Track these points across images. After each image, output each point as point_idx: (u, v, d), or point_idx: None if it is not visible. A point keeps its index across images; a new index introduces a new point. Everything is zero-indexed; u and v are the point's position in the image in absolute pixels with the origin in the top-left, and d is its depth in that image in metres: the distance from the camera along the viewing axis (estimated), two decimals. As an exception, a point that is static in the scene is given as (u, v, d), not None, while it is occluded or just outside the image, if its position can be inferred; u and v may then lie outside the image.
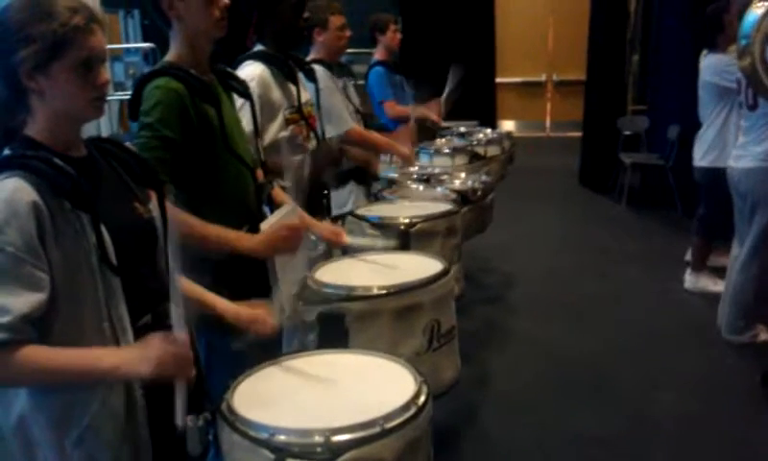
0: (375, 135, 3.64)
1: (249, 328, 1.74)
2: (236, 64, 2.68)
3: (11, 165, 1.38)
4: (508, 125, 11.05)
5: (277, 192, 2.44)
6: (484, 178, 3.72)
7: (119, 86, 7.75)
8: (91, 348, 1.40)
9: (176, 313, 1.40)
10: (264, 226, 2.14)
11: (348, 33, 3.54)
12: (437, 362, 2.14)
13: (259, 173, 2.30)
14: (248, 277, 2.00)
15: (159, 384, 1.42)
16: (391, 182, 3.51)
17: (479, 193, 3.46)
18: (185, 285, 1.69)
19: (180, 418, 1.41)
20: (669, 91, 6.76)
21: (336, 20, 3.49)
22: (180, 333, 1.40)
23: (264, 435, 1.36)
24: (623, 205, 7.06)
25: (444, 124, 5.04)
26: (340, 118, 3.35)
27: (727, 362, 3.83)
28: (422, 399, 1.48)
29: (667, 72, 6.84)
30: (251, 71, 2.62)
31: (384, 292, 2.05)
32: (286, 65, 2.77)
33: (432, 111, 4.78)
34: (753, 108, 3.76)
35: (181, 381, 1.41)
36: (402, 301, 2.06)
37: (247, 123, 2.35)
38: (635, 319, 4.44)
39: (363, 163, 3.49)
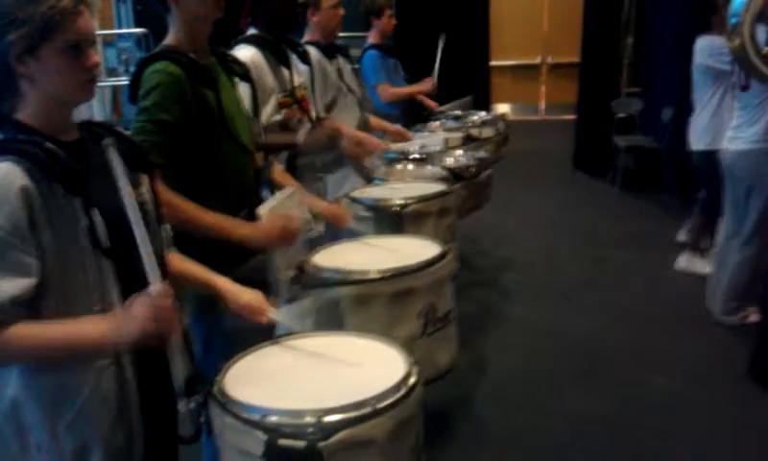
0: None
1: (245, 316, 1.74)
2: (229, 48, 2.67)
3: (1, 150, 1.38)
4: (502, 108, 11.04)
5: (278, 174, 2.45)
6: (479, 153, 3.72)
7: (112, 72, 7.70)
8: (77, 319, 1.41)
9: (148, 265, 1.40)
10: (263, 209, 2.14)
11: (341, 11, 3.52)
12: (432, 347, 2.15)
13: (258, 157, 2.30)
14: (242, 254, 2.01)
15: (150, 355, 1.44)
16: (388, 162, 3.52)
17: (473, 170, 3.46)
18: (181, 261, 1.71)
19: (181, 379, 1.43)
20: (663, 74, 6.76)
21: None
22: (156, 286, 1.40)
23: (256, 416, 1.37)
24: (617, 187, 7.08)
25: (439, 108, 5.04)
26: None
27: (718, 344, 3.86)
28: (413, 380, 1.49)
29: (661, 54, 6.84)
30: (243, 55, 2.61)
31: (379, 276, 2.06)
32: (279, 49, 2.77)
33: (426, 87, 4.77)
34: (745, 88, 3.76)
35: (170, 337, 1.42)
36: (397, 285, 2.06)
37: (247, 106, 2.35)
38: (628, 301, 4.47)
39: (354, 158, 3.46)
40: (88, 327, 1.40)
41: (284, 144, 2.70)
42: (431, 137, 4.08)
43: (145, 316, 1.38)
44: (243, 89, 2.33)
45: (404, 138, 3.76)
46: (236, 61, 2.31)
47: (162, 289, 1.41)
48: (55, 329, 1.38)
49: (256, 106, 2.41)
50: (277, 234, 2.03)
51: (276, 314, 1.75)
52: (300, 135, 2.71)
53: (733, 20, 3.42)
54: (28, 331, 1.35)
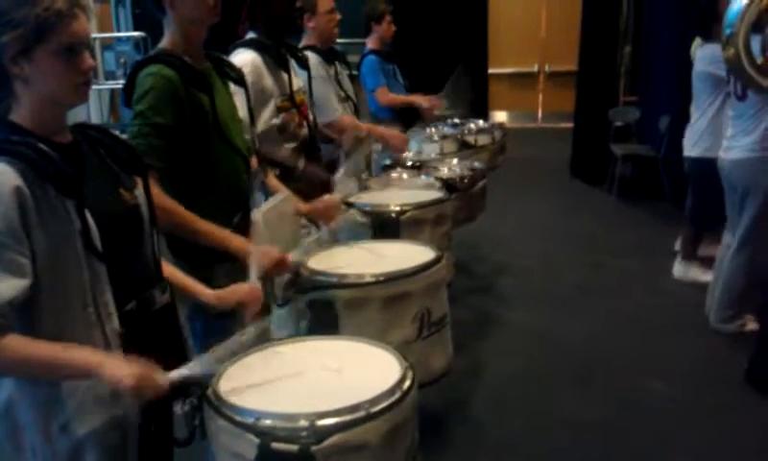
0: (364, 125, 3.64)
1: (237, 309, 1.74)
2: (228, 52, 2.68)
3: None
4: (500, 116, 11.05)
5: (271, 180, 2.45)
6: (474, 165, 3.72)
7: (110, 76, 7.71)
8: (73, 344, 1.39)
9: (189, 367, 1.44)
10: (257, 213, 2.14)
11: (337, 16, 3.53)
12: (427, 351, 2.15)
13: (253, 161, 2.30)
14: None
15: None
16: (385, 169, 3.52)
17: (466, 181, 3.45)
18: (169, 270, 1.70)
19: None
20: (660, 82, 6.77)
21: (324, 3, 3.47)
22: (176, 375, 1.41)
23: (249, 420, 1.37)
24: (614, 195, 7.08)
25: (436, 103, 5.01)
26: (327, 108, 3.34)
27: (715, 351, 3.85)
28: (407, 384, 1.49)
29: (659, 63, 6.85)
30: (242, 59, 2.62)
31: (373, 280, 2.06)
32: (278, 53, 2.77)
33: (429, 103, 4.76)
34: (741, 98, 3.77)
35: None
36: (391, 289, 2.07)
37: (241, 110, 2.35)
38: (625, 308, 4.46)
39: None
40: (80, 358, 1.38)
41: (283, 163, 2.71)
42: (427, 145, 4.09)
43: (139, 383, 1.36)
44: (238, 94, 2.33)
45: (401, 147, 3.77)
46: (231, 66, 2.32)
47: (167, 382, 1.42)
48: (47, 351, 1.36)
49: (251, 110, 2.41)
50: (270, 263, 1.98)
51: (266, 321, 1.74)
52: (301, 163, 2.72)
53: (728, 31, 3.43)
54: (21, 346, 1.34)
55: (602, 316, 4.36)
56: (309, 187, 2.69)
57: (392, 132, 3.80)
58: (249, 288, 1.79)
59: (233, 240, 2.01)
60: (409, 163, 3.64)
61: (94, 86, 5.76)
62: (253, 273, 1.86)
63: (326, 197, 2.53)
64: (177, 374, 1.44)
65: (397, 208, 2.70)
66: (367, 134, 3.51)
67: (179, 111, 1.95)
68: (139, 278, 1.53)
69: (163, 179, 1.92)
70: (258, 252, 1.96)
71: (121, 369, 1.36)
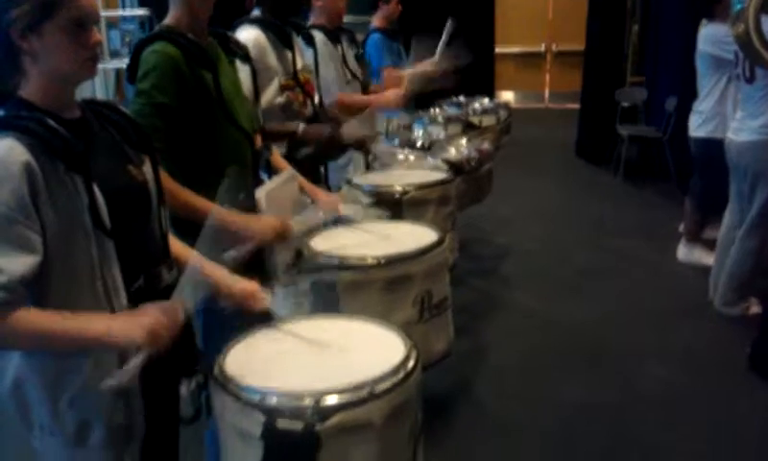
0: (362, 97, 3.61)
1: (241, 305, 1.73)
2: (233, 29, 2.66)
3: (4, 126, 1.37)
4: (506, 96, 11.01)
5: (276, 158, 2.44)
6: (483, 146, 3.71)
7: (115, 54, 7.67)
8: (85, 312, 1.40)
9: (185, 285, 1.43)
10: (261, 192, 2.14)
11: None
12: (428, 333, 2.16)
13: (257, 139, 2.30)
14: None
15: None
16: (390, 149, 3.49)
17: (473, 163, 3.44)
18: (179, 248, 1.71)
19: (117, 378, 1.40)
20: (668, 63, 6.73)
21: None
22: (177, 303, 1.41)
23: (255, 398, 1.38)
24: (620, 177, 7.07)
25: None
26: (326, 90, 3.32)
27: (718, 335, 3.86)
28: (411, 363, 1.49)
29: (666, 43, 6.80)
30: (246, 35, 2.60)
31: (375, 262, 2.06)
32: (283, 31, 2.76)
33: (426, 67, 4.71)
34: (750, 80, 3.75)
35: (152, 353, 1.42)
36: (392, 271, 2.07)
37: (247, 88, 2.34)
38: (629, 290, 4.47)
39: (356, 143, 3.44)
40: (95, 323, 1.40)
41: (284, 133, 2.69)
42: (432, 127, 4.06)
43: (155, 330, 1.38)
44: (243, 71, 2.32)
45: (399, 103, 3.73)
46: (236, 43, 2.30)
47: (177, 305, 1.42)
48: (62, 321, 1.37)
49: (256, 88, 2.40)
50: (272, 232, 2.01)
51: (271, 302, 1.75)
52: (300, 126, 2.70)
53: (738, 6, 3.40)
54: (35, 319, 1.35)
55: (606, 298, 4.37)
56: (318, 148, 2.67)
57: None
58: (256, 288, 1.78)
59: (237, 219, 2.01)
60: (414, 144, 3.62)
61: (99, 65, 5.75)
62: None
63: (330, 197, 2.53)
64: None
65: (400, 189, 2.69)
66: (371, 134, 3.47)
67: (182, 90, 1.95)
68: (147, 254, 1.54)
69: (165, 159, 1.91)
70: (259, 222, 1.98)
71: (132, 328, 1.38)
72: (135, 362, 1.38)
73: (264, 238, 2.00)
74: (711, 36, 4.22)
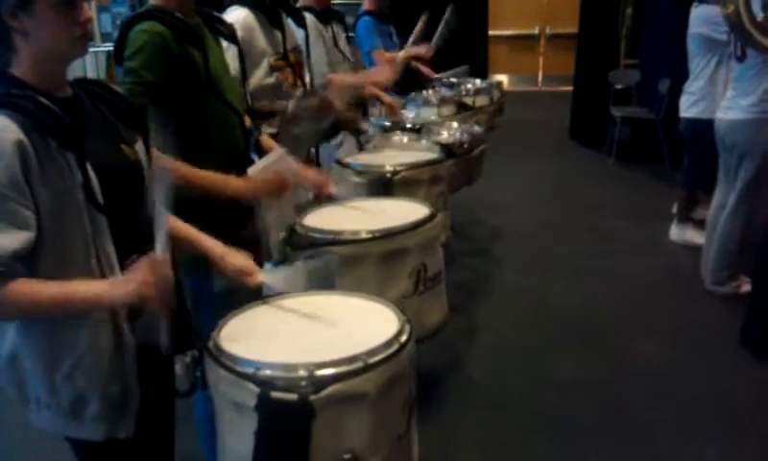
0: (353, 76, 3.60)
1: (234, 278, 1.75)
2: (223, 9, 2.66)
3: None
4: (500, 78, 10.97)
5: (265, 139, 2.44)
6: (474, 128, 3.71)
7: (106, 37, 7.63)
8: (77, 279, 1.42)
9: (159, 236, 1.42)
10: (252, 171, 2.15)
11: None
12: (423, 306, 2.18)
13: (246, 119, 2.30)
14: (234, 218, 2.02)
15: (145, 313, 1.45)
16: (382, 131, 3.50)
17: (465, 145, 3.45)
18: (173, 223, 1.71)
19: (166, 345, 1.44)
20: (660, 45, 6.73)
21: None
22: (161, 253, 1.42)
23: (249, 369, 1.39)
24: (613, 158, 7.08)
25: (435, 75, 5.00)
26: (317, 72, 3.30)
27: (709, 313, 3.89)
28: (405, 336, 1.51)
29: (659, 26, 6.80)
30: (234, 16, 2.59)
31: (370, 236, 2.08)
32: (272, 11, 2.75)
33: (421, 51, 4.70)
34: (741, 59, 3.76)
35: (163, 310, 1.43)
36: (388, 245, 2.09)
37: (233, 68, 2.34)
38: (621, 270, 4.50)
39: (346, 122, 3.43)
40: (87, 286, 1.41)
41: (274, 111, 2.69)
42: (425, 109, 4.06)
43: (144, 280, 1.39)
44: (229, 52, 2.32)
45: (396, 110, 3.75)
46: (222, 22, 2.30)
47: (164, 258, 1.42)
48: (53, 286, 1.39)
49: (244, 69, 2.40)
50: (269, 186, 2.04)
51: (265, 276, 1.76)
52: (290, 104, 2.70)
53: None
54: (27, 288, 1.36)
55: (598, 278, 4.40)
56: (313, 119, 2.68)
57: (387, 97, 3.78)
58: (250, 262, 1.78)
59: (233, 182, 2.03)
60: (408, 126, 3.63)
61: (90, 48, 5.71)
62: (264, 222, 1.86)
63: (320, 175, 2.52)
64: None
65: (391, 169, 2.70)
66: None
67: (171, 68, 1.94)
68: (140, 231, 1.55)
69: (155, 137, 1.92)
70: (257, 177, 2.00)
71: (126, 286, 1.40)
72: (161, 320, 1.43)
73: (262, 192, 2.04)
74: (703, 17, 4.24)
